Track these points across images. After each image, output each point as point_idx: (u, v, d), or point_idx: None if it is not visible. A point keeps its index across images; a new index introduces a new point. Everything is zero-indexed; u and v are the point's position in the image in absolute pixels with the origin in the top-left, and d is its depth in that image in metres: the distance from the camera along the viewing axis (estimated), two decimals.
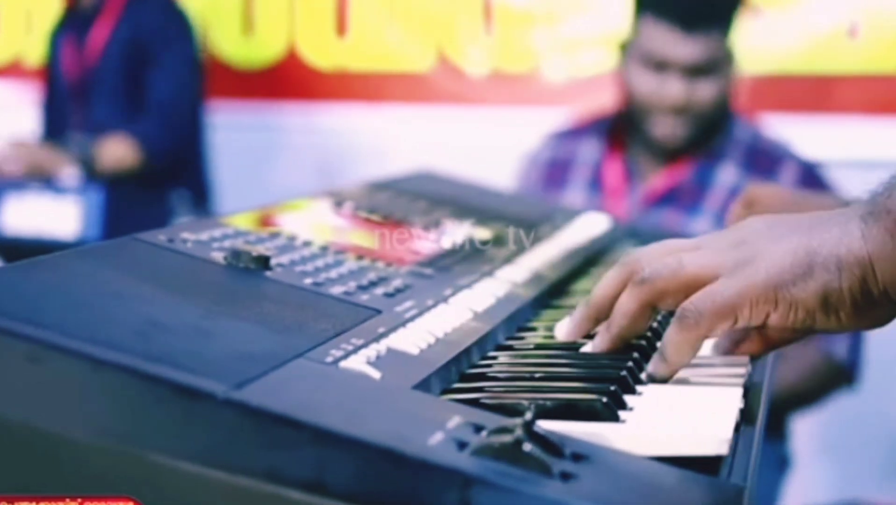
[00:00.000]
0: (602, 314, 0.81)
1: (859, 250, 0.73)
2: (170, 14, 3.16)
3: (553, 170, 2.24)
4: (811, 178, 2.13)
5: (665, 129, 2.12)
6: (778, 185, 2.03)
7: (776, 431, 2.15)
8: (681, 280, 0.76)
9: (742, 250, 0.75)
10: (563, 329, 0.83)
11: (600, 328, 0.81)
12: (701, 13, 2.08)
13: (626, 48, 2.17)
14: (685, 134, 2.12)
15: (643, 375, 0.78)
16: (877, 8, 2.88)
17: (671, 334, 0.75)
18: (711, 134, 2.14)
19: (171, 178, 3.14)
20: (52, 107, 3.25)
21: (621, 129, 2.20)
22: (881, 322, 0.76)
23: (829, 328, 0.75)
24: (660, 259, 0.78)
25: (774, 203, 1.15)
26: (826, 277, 0.73)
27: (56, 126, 3.21)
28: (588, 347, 0.81)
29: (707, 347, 0.85)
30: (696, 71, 2.08)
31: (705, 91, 2.10)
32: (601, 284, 0.81)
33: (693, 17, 2.06)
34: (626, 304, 0.78)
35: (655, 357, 0.77)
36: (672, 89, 2.08)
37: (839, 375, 2.10)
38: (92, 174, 2.94)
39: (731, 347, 0.84)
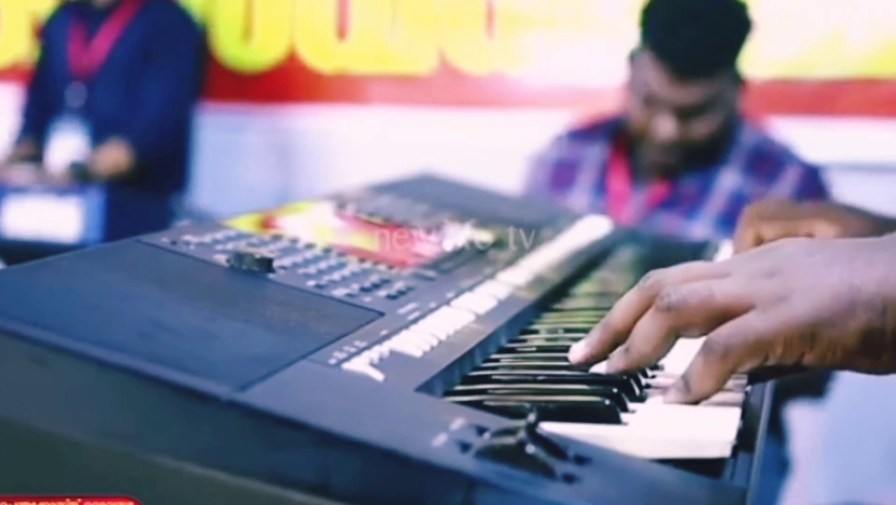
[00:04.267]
0: (620, 338, 0.75)
1: None
2: (176, 20, 3.26)
3: (560, 171, 2.25)
4: (813, 182, 2.13)
5: (656, 156, 2.12)
6: (778, 198, 2.02)
7: (776, 432, 2.15)
8: (710, 310, 0.71)
9: (777, 281, 0.70)
10: (579, 352, 0.78)
11: (617, 351, 0.76)
12: (698, 64, 2.04)
13: (631, 64, 2.15)
14: (676, 162, 2.12)
15: (663, 400, 0.74)
16: (877, 11, 2.89)
17: (696, 366, 0.71)
18: (712, 150, 2.13)
19: (170, 180, 3.19)
20: (43, 97, 3.30)
21: (625, 133, 2.20)
22: None
23: (866, 370, 0.71)
24: (687, 285, 0.72)
25: (776, 215, 1.13)
26: (870, 317, 0.68)
27: (47, 114, 3.27)
28: (601, 368, 0.76)
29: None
30: (690, 112, 2.06)
31: (699, 129, 2.08)
32: (620, 306, 0.75)
33: (689, 68, 2.03)
34: (649, 330, 0.73)
35: (678, 386, 0.72)
36: (663, 127, 2.07)
37: (804, 383, 2.08)
38: (87, 180, 3.01)
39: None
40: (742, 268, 0.72)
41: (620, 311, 0.75)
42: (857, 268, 0.69)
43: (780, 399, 2.08)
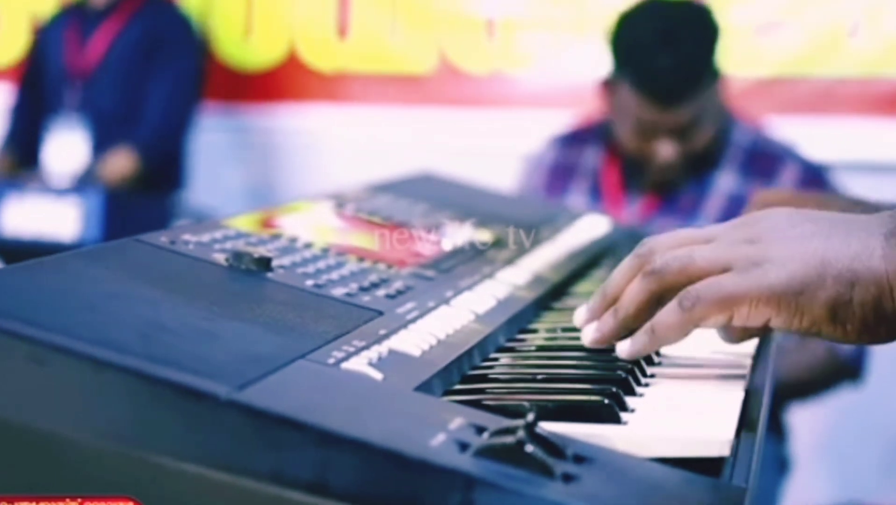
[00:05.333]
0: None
1: (878, 269, 0.72)
2: (175, 22, 3.28)
3: (556, 174, 2.24)
4: (813, 179, 2.12)
5: (659, 176, 2.11)
6: (786, 189, 2.02)
7: (775, 431, 2.15)
8: (689, 274, 0.75)
9: (756, 247, 0.74)
10: (581, 316, 0.83)
11: (607, 313, 0.81)
12: (682, 89, 2.02)
13: (610, 88, 2.13)
14: (679, 173, 2.11)
15: (619, 347, 0.79)
16: (878, 10, 2.89)
17: (664, 312, 0.76)
18: (708, 155, 2.13)
19: (169, 180, 3.20)
20: (36, 99, 3.32)
21: (615, 141, 2.18)
22: (890, 339, 0.74)
23: (833, 338, 0.74)
24: (671, 251, 0.77)
25: (783, 204, 1.14)
26: (838, 289, 0.72)
27: (39, 117, 3.29)
28: (591, 328, 0.81)
29: (706, 349, 0.85)
30: (685, 130, 2.05)
31: (698, 140, 2.08)
32: (616, 273, 0.81)
33: (673, 95, 2.01)
34: (635, 293, 0.78)
35: (644, 329, 0.77)
36: (663, 151, 2.06)
37: (843, 371, 2.09)
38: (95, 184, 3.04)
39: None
40: (726, 234, 0.77)
41: (616, 277, 0.81)
42: (833, 244, 0.73)
43: (819, 386, 2.10)
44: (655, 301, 0.78)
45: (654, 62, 2.00)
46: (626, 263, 0.80)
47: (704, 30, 2.06)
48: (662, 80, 2.00)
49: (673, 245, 0.78)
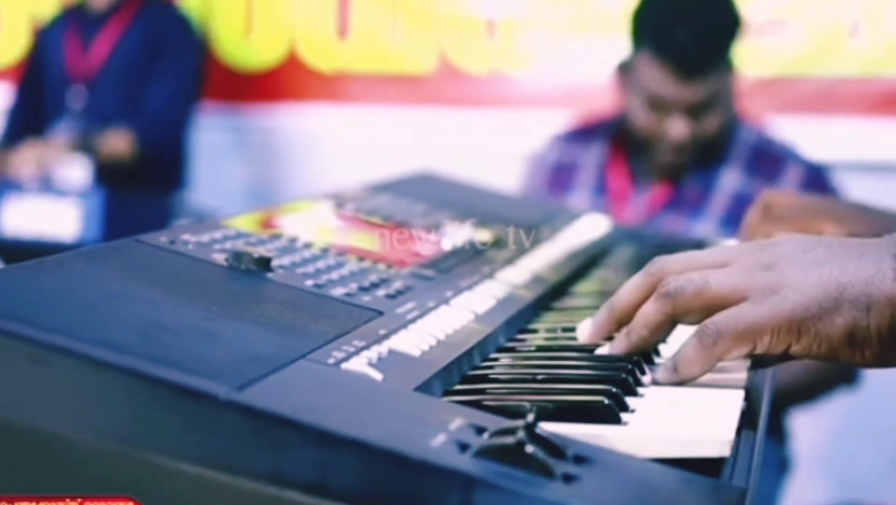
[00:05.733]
0: (625, 319, 0.80)
1: (891, 290, 0.72)
2: (175, 23, 3.29)
3: (559, 173, 2.24)
4: (816, 180, 2.13)
5: (668, 158, 2.12)
6: (793, 191, 2.03)
7: (776, 432, 2.15)
8: (705, 299, 0.75)
9: (771, 275, 0.74)
10: (585, 331, 0.82)
11: (620, 333, 0.81)
12: (701, 61, 2.06)
13: (626, 71, 2.16)
14: (689, 160, 2.12)
15: (648, 379, 0.77)
16: (878, 10, 2.89)
17: (687, 349, 0.75)
18: (716, 147, 2.14)
19: (170, 179, 3.20)
20: (32, 100, 3.30)
21: (624, 134, 2.20)
22: None
23: (852, 363, 0.74)
24: (686, 274, 0.77)
25: (790, 210, 1.14)
26: (854, 314, 0.72)
27: (36, 118, 3.29)
28: (605, 350, 0.81)
29: None
30: (699, 110, 2.08)
31: (709, 124, 2.10)
32: (625, 289, 0.80)
33: (694, 66, 2.05)
34: (649, 316, 0.78)
35: (666, 366, 0.76)
36: (675, 129, 2.08)
37: (839, 374, 2.10)
38: (89, 157, 3.02)
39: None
40: (740, 260, 0.76)
41: (625, 293, 0.80)
42: (847, 268, 0.73)
43: (817, 390, 2.10)
44: (670, 323, 0.78)
45: (675, 32, 2.04)
46: (636, 281, 0.79)
47: (725, 9, 2.11)
48: (682, 50, 2.04)
49: (686, 267, 0.78)
